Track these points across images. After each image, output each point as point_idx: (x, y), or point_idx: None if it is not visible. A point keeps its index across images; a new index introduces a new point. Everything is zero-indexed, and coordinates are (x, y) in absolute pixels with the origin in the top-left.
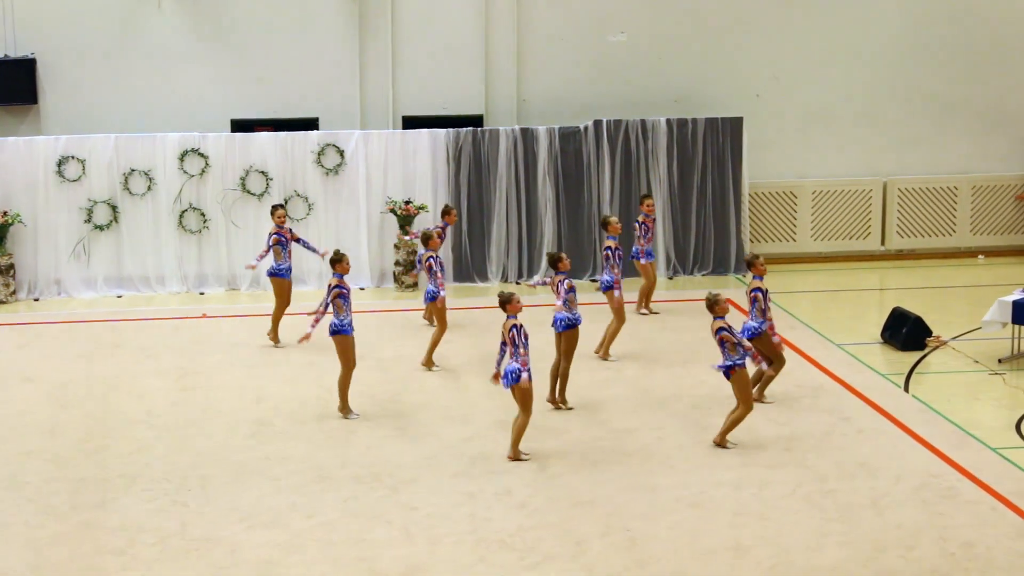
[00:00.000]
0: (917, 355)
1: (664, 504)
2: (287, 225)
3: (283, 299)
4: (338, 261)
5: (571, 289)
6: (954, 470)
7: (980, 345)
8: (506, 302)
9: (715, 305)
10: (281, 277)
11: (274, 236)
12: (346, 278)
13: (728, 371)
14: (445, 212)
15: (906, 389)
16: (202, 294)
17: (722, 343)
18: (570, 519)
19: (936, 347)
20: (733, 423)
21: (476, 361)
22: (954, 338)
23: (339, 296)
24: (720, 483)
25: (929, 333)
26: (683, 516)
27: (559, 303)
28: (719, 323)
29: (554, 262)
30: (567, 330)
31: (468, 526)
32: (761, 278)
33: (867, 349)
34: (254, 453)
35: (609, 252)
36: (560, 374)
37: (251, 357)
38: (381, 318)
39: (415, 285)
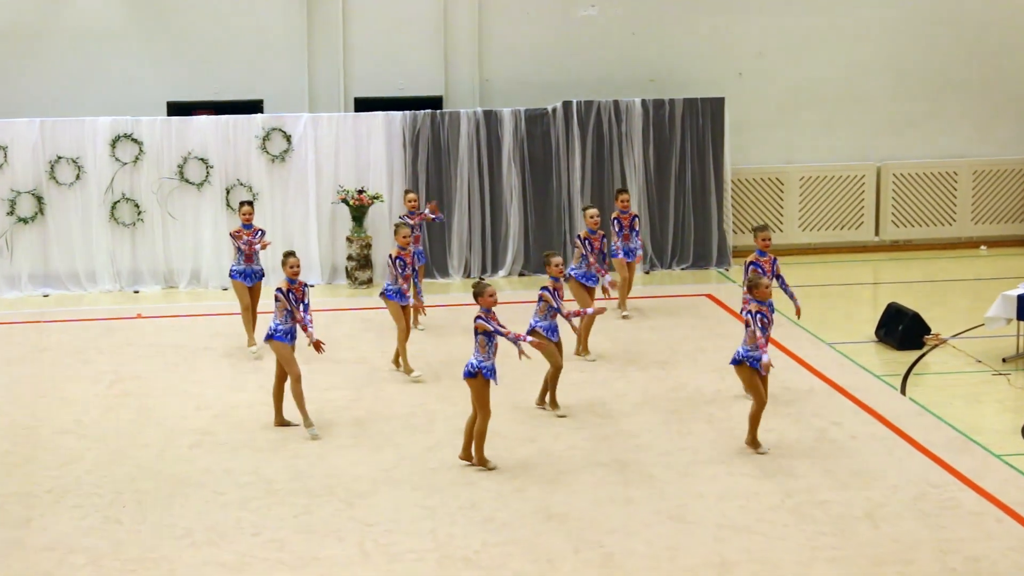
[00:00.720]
0: (915, 354)
1: (642, 518)
2: (254, 224)
3: (242, 303)
4: (283, 263)
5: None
6: (955, 479)
7: (983, 343)
8: (478, 294)
9: (754, 288)
10: (233, 279)
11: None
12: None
13: (736, 363)
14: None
15: (903, 391)
16: (137, 292)
17: (747, 327)
18: (540, 534)
19: (935, 346)
20: (753, 420)
21: (438, 364)
22: (954, 336)
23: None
24: (702, 494)
25: (927, 331)
26: (662, 530)
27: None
28: (755, 307)
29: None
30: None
31: (430, 543)
32: (763, 254)
33: (860, 348)
34: (195, 465)
35: (578, 241)
36: (545, 378)
37: (191, 361)
38: (333, 317)
39: (370, 281)
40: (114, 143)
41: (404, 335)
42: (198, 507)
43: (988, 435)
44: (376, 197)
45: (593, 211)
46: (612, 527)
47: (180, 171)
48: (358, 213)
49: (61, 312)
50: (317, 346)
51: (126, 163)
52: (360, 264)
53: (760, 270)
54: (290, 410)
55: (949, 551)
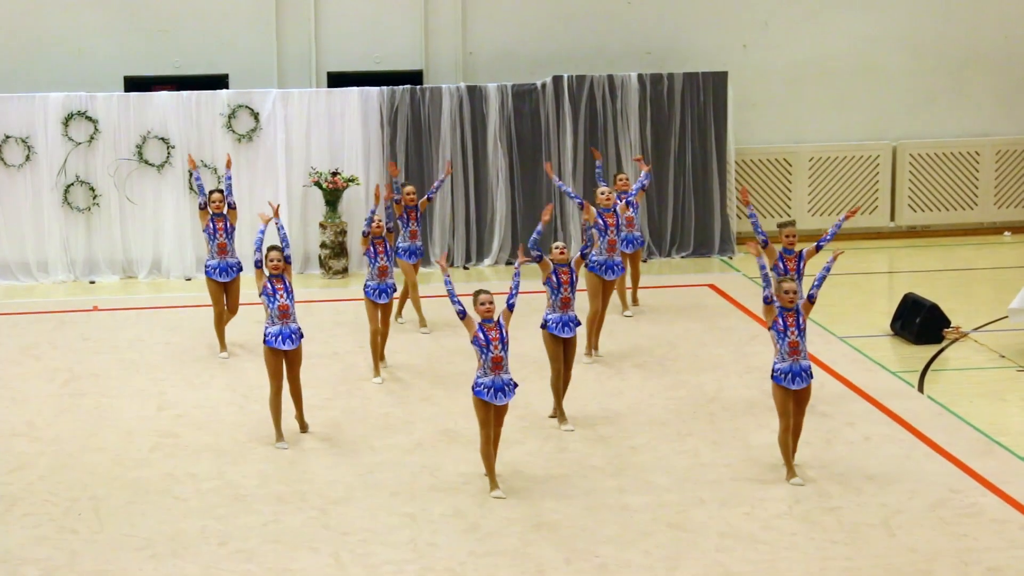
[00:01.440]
0: (933, 349)
1: (639, 526)
2: (225, 212)
3: (215, 308)
4: (265, 257)
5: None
6: (977, 483)
7: (1007, 337)
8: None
9: (776, 292)
10: (207, 276)
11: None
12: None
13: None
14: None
15: (920, 389)
16: (92, 283)
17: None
18: (529, 544)
19: (955, 340)
20: (783, 448)
21: (417, 360)
22: (976, 329)
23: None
24: (704, 501)
25: (947, 323)
26: (661, 539)
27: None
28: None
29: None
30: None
31: (410, 553)
32: (789, 252)
33: (874, 343)
34: (156, 470)
35: (593, 212)
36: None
37: (151, 357)
38: (305, 309)
39: (345, 271)
40: (67, 121)
41: (374, 338)
42: (159, 515)
43: (1013, 436)
44: (351, 180)
45: (604, 188)
46: (607, 536)
47: (139, 151)
48: (332, 197)
49: (10, 305)
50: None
51: (80, 143)
52: (334, 252)
53: (784, 271)
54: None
55: (970, 561)
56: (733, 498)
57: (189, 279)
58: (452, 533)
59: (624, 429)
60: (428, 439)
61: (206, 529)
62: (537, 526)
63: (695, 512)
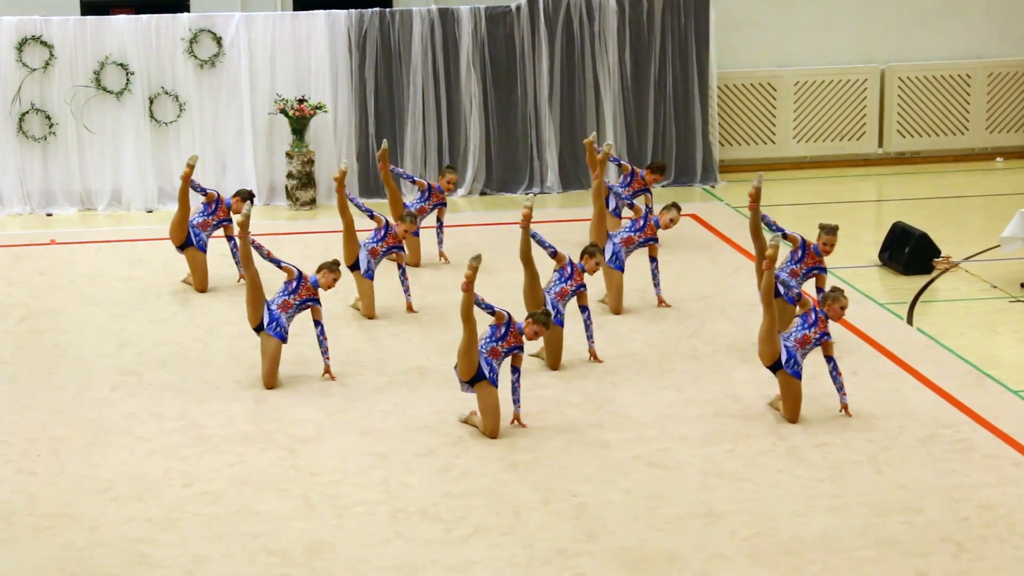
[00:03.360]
0: (923, 280)
1: (618, 464)
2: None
3: (195, 274)
4: (326, 272)
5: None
6: (968, 418)
7: (999, 267)
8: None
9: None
10: (196, 240)
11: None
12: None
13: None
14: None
15: (909, 321)
16: (50, 216)
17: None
18: (505, 484)
19: (945, 270)
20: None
21: (388, 295)
22: (967, 258)
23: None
24: (685, 437)
25: (937, 253)
26: (641, 478)
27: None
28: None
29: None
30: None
31: (382, 494)
32: (818, 252)
33: (862, 273)
34: (117, 409)
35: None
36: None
37: (112, 293)
38: (272, 242)
39: (313, 202)
40: (21, 46)
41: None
42: (121, 456)
43: (1005, 369)
44: (319, 107)
45: (675, 214)
46: (585, 475)
47: (97, 78)
48: (298, 125)
49: None
50: (327, 371)
51: (35, 69)
52: (302, 183)
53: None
54: (234, 343)
55: (960, 498)
56: (716, 435)
57: (150, 211)
58: (425, 473)
59: (603, 365)
60: (400, 376)
61: (170, 470)
62: (513, 465)
63: (676, 450)
